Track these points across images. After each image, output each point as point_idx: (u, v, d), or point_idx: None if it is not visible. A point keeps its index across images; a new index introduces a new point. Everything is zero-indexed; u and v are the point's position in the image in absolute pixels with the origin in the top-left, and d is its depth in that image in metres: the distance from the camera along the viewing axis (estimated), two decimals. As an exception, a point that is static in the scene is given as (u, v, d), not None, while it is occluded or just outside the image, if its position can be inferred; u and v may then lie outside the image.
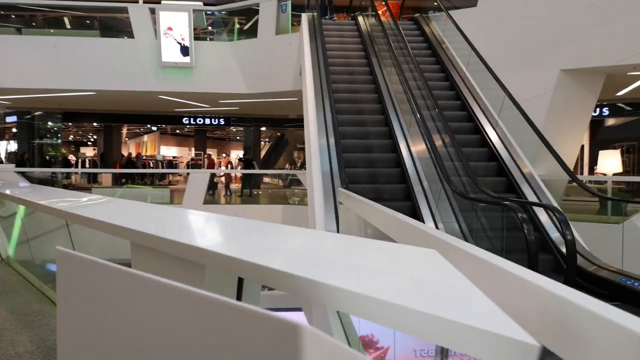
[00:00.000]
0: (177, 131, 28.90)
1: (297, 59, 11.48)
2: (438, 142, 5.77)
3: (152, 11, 12.16)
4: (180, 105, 15.40)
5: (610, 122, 14.61)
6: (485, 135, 6.53)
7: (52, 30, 13.64)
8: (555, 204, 5.49)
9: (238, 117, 18.71)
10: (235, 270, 1.09)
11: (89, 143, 35.24)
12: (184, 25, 11.99)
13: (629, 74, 9.05)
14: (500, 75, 6.89)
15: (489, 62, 7.29)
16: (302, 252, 1.08)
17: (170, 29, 11.95)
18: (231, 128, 26.43)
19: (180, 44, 12.03)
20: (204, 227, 1.53)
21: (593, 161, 11.56)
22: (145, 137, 30.18)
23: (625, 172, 12.03)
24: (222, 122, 18.65)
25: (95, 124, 22.53)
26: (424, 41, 9.24)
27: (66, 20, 14.21)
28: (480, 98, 7.13)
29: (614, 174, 9.01)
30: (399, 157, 6.15)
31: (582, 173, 14.71)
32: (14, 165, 13.65)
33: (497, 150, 6.24)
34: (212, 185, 13.45)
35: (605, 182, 8.64)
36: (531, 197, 5.53)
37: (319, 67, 7.79)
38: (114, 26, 14.28)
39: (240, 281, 1.23)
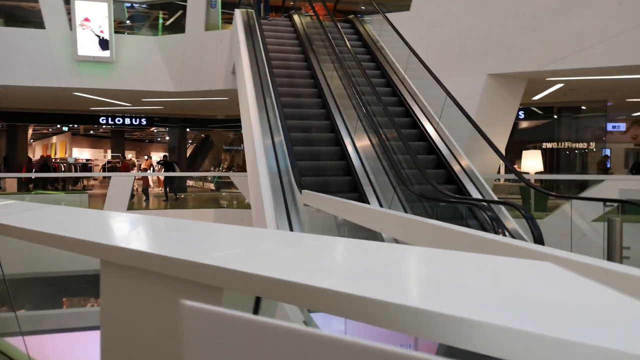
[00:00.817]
0: (91, 132, 26.92)
1: (229, 57, 11.06)
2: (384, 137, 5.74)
3: (66, 0, 11.11)
4: (97, 103, 14.26)
5: (524, 124, 15.69)
6: (424, 130, 6.64)
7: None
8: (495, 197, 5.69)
9: (162, 117, 17.74)
10: (277, 294, 0.85)
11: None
12: (103, 17, 11.09)
13: (547, 79, 9.70)
14: (432, 81, 7.09)
15: (421, 68, 7.49)
16: (371, 269, 0.86)
17: (87, 20, 10.99)
18: (153, 129, 25.11)
19: (98, 36, 11.10)
20: (202, 239, 1.25)
21: (512, 161, 12.36)
22: (54, 139, 27.80)
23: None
24: (144, 122, 17.57)
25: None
26: (358, 40, 9.26)
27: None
28: (417, 96, 7.25)
29: (536, 173, 9.60)
30: (343, 151, 6.08)
31: (499, 172, 15.62)
32: None
33: (436, 145, 6.36)
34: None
35: (528, 180, 9.18)
36: (470, 188, 5.68)
37: (257, 66, 7.49)
38: (21, 16, 12.93)
39: (258, 301, 1.00)
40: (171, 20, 13.97)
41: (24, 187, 16.69)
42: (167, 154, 22.96)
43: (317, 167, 5.78)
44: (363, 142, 6.12)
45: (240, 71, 7.76)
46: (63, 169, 19.89)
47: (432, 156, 6.29)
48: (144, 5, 13.87)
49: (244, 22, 9.00)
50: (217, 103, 14.12)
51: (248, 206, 11.97)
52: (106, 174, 17.38)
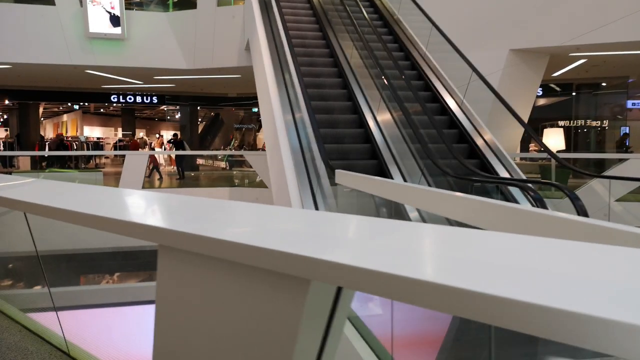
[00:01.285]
0: (102, 110, 26.87)
1: (242, 33, 10.85)
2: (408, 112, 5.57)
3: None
4: (108, 81, 14.14)
5: (541, 101, 15.35)
6: (445, 104, 6.47)
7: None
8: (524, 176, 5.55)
9: (172, 95, 17.59)
10: (371, 287, 0.76)
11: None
12: (114, -7, 10.87)
13: (570, 54, 9.40)
14: (452, 54, 6.89)
15: (441, 41, 7.26)
16: (476, 260, 0.76)
17: (97, -5, 10.79)
18: (163, 107, 24.99)
19: (109, 12, 10.92)
20: (266, 223, 1.16)
21: (527, 140, 12.10)
22: (65, 117, 27.80)
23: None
24: (154, 100, 17.45)
25: (7, 102, 20.29)
26: (374, 12, 8.98)
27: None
28: (437, 70, 7.05)
29: (558, 152, 9.40)
30: (367, 132, 5.91)
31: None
32: None
33: (457, 119, 6.18)
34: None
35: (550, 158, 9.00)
36: (495, 163, 5.53)
37: (274, 41, 7.29)
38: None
39: (339, 291, 0.92)
40: None
41: (37, 165, 16.80)
42: (177, 132, 22.86)
43: (341, 150, 5.64)
44: (387, 121, 5.96)
45: (256, 46, 7.58)
46: (75, 147, 19.89)
47: (454, 130, 6.12)
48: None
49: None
50: (230, 81, 13.95)
51: (261, 184, 11.94)
52: (120, 152, 17.38)
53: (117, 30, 10.99)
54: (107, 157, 20.52)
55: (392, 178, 5.04)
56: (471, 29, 8.87)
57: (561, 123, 15.07)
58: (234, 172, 17.21)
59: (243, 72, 12.18)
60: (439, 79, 7.03)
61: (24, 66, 11.55)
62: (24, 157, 16.53)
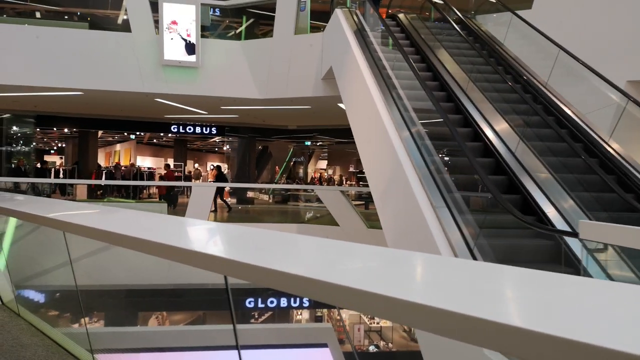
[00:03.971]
0: (154, 140, 27.05)
1: (320, 62, 10.35)
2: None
3: (153, 4, 10.75)
4: (172, 110, 13.89)
5: None
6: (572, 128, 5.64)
7: (34, 19, 11.97)
8: None
9: (232, 127, 17.28)
10: None
11: (52, 151, 32.66)
12: (191, 20, 10.64)
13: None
14: (561, 84, 6.21)
15: (546, 71, 6.56)
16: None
17: (174, 23, 10.57)
18: (214, 139, 24.88)
19: (185, 40, 10.65)
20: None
21: None
22: (118, 146, 28.12)
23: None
24: (214, 131, 17.18)
25: (66, 129, 20.55)
26: (469, 35, 8.31)
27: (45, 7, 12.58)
28: (559, 96, 6.25)
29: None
30: (486, 146, 5.11)
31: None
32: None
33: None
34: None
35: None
36: None
37: (374, 61, 6.64)
38: (104, 18, 12.74)
39: None
40: (240, 28, 13.43)
41: (92, 194, 16.64)
42: (220, 164, 22.44)
43: (461, 164, 4.86)
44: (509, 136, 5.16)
45: (352, 69, 6.94)
46: (128, 177, 19.77)
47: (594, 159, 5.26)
48: (217, 13, 13.40)
49: (349, 20, 8.23)
50: (295, 112, 13.45)
51: (328, 221, 11.17)
52: (187, 183, 17.09)
53: (192, 58, 10.69)
54: (157, 187, 20.29)
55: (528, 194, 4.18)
56: (585, 58, 8.01)
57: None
58: (288, 207, 16.59)
59: (314, 102, 11.66)
60: (565, 105, 6.21)
61: (96, 93, 11.37)
62: (81, 186, 16.39)
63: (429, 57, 7.15)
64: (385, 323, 15.13)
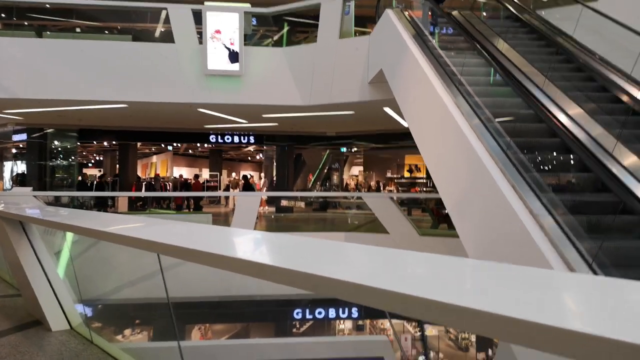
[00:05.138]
0: (190, 151, 27.25)
1: (366, 66, 10.04)
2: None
3: (195, 13, 10.67)
4: (212, 120, 13.81)
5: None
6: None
7: (77, 33, 12.10)
8: None
9: (269, 135, 17.14)
10: None
11: (90, 164, 33.29)
12: (234, 28, 10.51)
13: None
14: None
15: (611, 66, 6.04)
16: None
17: (218, 32, 10.46)
18: (249, 148, 24.86)
19: (229, 49, 10.52)
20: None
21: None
22: (155, 158, 28.46)
23: None
24: (252, 140, 17.06)
25: (105, 143, 20.84)
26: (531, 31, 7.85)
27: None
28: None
29: None
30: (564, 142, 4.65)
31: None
32: (30, 188, 11.88)
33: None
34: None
35: None
36: None
37: (437, 61, 6.28)
38: (143, 31, 12.77)
39: None
40: (277, 36, 13.25)
41: (133, 205, 16.72)
42: (248, 173, 22.30)
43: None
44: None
45: (412, 69, 6.59)
46: (169, 188, 19.88)
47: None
48: (254, 22, 13.26)
49: (402, 20, 7.90)
50: (337, 119, 13.16)
51: (375, 229, 10.81)
52: (230, 193, 17.02)
53: (235, 67, 10.55)
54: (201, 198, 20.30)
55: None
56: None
57: None
58: (327, 215, 16.29)
59: (359, 107, 11.34)
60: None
61: (140, 105, 11.36)
62: (122, 198, 16.49)
63: (492, 53, 6.74)
64: (430, 332, 14.64)
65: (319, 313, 10.13)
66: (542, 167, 4.70)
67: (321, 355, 7.19)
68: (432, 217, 10.94)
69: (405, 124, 13.78)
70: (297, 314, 9.76)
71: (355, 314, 10.61)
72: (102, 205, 16.46)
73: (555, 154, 4.87)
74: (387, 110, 11.64)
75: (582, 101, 5.29)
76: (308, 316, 10.09)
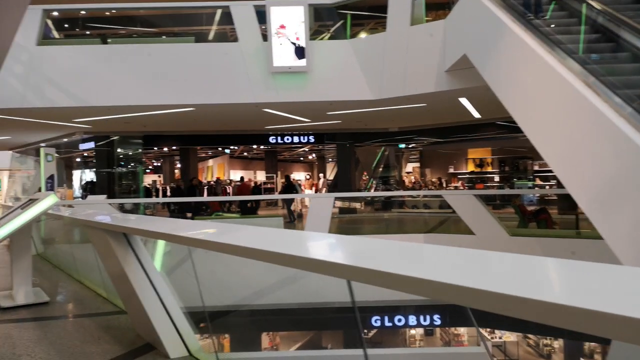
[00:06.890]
0: (245, 154, 27.25)
1: (442, 53, 9.32)
2: None
3: (258, 12, 10.31)
4: (274, 121, 13.46)
5: None
6: None
7: (139, 38, 12.07)
8: None
9: (329, 133, 16.64)
10: None
11: (148, 170, 34.04)
12: (299, 22, 10.07)
13: None
14: None
15: None
16: None
17: (283, 27, 10.05)
18: (304, 148, 24.51)
19: (294, 44, 10.10)
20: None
21: None
22: (211, 161, 28.69)
23: None
24: (312, 139, 16.64)
25: (165, 148, 21.06)
26: None
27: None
28: None
29: None
30: None
31: None
32: (105, 196, 11.96)
33: None
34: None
35: None
36: None
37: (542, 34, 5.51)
38: (200, 33, 12.58)
39: None
40: (334, 28, 12.68)
41: (198, 210, 16.68)
42: (288, 174, 21.84)
43: None
44: None
45: (517, 50, 5.85)
46: (229, 192, 19.85)
47: None
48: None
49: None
50: (404, 112, 12.44)
51: (457, 229, 10.07)
52: (302, 195, 16.77)
53: (302, 63, 10.11)
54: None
55: None
56: None
57: None
58: (393, 214, 15.61)
59: (431, 98, 10.59)
60: None
61: (206, 108, 11.14)
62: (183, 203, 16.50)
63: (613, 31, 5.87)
64: (507, 338, 13.71)
65: (399, 320, 9.56)
66: None
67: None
68: (519, 215, 10.04)
69: (477, 115, 12.92)
70: (376, 321, 9.25)
71: (437, 322, 9.94)
72: (168, 210, 16.50)
73: None
74: (463, 100, 10.85)
75: None
76: (387, 324, 9.54)
